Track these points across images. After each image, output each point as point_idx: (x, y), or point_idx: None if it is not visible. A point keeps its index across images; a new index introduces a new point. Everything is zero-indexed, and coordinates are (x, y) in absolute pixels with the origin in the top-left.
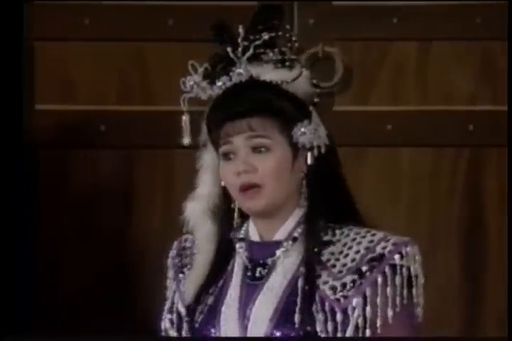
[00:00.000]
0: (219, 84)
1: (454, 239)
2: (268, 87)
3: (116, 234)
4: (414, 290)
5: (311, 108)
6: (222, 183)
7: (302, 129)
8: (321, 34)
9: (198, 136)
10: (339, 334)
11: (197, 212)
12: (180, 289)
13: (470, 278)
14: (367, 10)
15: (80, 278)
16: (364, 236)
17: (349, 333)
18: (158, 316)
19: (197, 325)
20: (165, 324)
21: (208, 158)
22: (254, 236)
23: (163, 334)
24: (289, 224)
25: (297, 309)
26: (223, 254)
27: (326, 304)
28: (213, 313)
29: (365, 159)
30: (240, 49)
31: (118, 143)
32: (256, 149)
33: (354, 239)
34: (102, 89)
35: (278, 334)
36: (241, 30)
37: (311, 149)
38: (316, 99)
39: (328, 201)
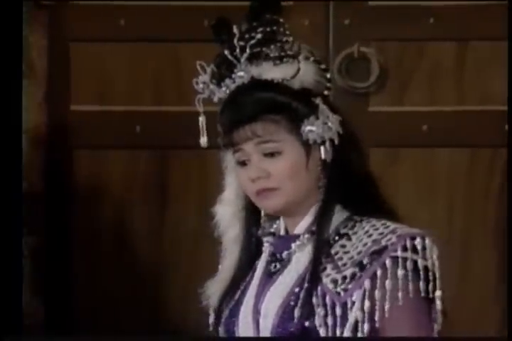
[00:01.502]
0: (223, 88)
1: (490, 239)
2: (270, 87)
3: (150, 234)
4: (423, 285)
5: (317, 100)
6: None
7: (309, 127)
8: (356, 34)
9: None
10: (338, 329)
11: (227, 215)
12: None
13: (506, 278)
14: (403, 10)
15: (114, 278)
16: (377, 229)
17: (348, 328)
18: (192, 316)
19: (223, 320)
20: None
21: (230, 159)
22: (282, 231)
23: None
24: (308, 218)
25: (299, 303)
26: (251, 254)
27: (327, 298)
28: (236, 309)
29: (401, 160)
30: (237, 50)
31: (153, 143)
32: (267, 154)
33: (367, 232)
34: (137, 89)
35: (279, 329)
36: (235, 30)
37: (323, 143)
38: (328, 84)
39: (350, 192)
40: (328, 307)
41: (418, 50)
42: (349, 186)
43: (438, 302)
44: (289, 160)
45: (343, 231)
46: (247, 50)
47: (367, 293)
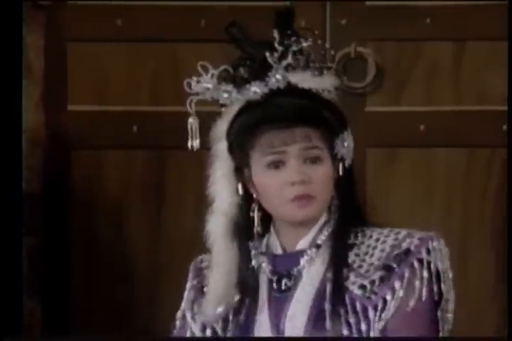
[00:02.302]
0: (253, 89)
1: (487, 239)
2: (311, 96)
3: (147, 234)
4: (442, 286)
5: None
6: (240, 191)
7: (345, 142)
8: (353, 34)
9: (209, 144)
10: (372, 333)
11: (219, 226)
12: (202, 309)
13: (503, 278)
14: (400, 10)
15: (108, 278)
16: (388, 235)
17: (378, 328)
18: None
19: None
20: None
21: (224, 166)
22: (277, 249)
23: None
24: (312, 233)
25: (327, 315)
26: (243, 268)
27: (357, 305)
28: (246, 332)
29: (398, 160)
30: (276, 54)
31: (150, 143)
32: (309, 160)
33: (378, 239)
34: (134, 89)
35: None
36: (276, 34)
37: (342, 160)
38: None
39: (346, 209)
40: (360, 314)
41: (415, 50)
42: (350, 201)
43: (451, 304)
44: (326, 170)
45: (350, 241)
46: (289, 56)
47: (396, 294)
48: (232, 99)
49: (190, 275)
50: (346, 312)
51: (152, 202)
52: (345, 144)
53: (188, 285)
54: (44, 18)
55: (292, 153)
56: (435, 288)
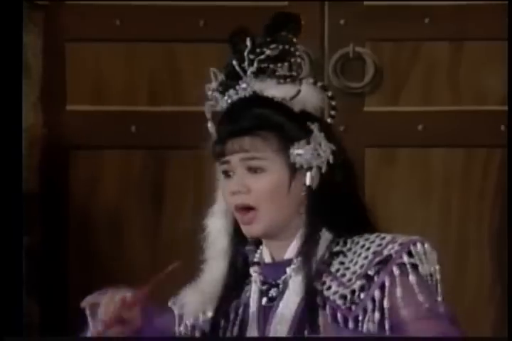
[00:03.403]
0: (225, 98)
1: (485, 240)
2: (269, 104)
3: (146, 234)
4: (430, 290)
5: (313, 126)
6: None
7: (298, 150)
8: (351, 34)
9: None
10: None
11: (216, 228)
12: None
13: (501, 279)
14: (398, 10)
15: (106, 278)
16: (373, 241)
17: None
18: None
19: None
20: None
21: (219, 172)
22: (267, 258)
23: None
24: (297, 241)
25: (306, 325)
26: (236, 273)
27: (338, 315)
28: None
29: (396, 159)
30: (246, 62)
31: (148, 143)
32: (251, 169)
33: (363, 246)
34: (133, 89)
35: None
36: (248, 42)
37: (310, 169)
38: (332, 112)
39: (335, 218)
40: (341, 324)
41: (413, 50)
42: (335, 211)
43: (441, 306)
44: (271, 180)
45: (336, 249)
46: (255, 64)
47: (377, 304)
48: (220, 107)
49: None
50: (327, 321)
51: (151, 202)
52: (301, 153)
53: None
54: (42, 18)
55: (235, 163)
56: (419, 292)
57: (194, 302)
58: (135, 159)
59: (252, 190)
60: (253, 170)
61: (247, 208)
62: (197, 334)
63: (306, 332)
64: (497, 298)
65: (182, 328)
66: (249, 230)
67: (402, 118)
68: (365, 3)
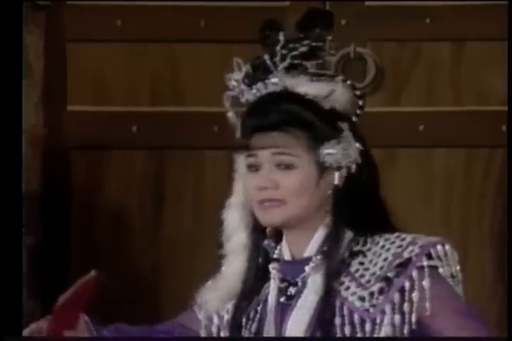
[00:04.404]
0: (253, 91)
1: (486, 240)
2: (301, 101)
3: (147, 234)
4: (452, 290)
5: (344, 125)
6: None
7: (329, 150)
8: (352, 34)
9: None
10: None
11: (234, 221)
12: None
13: (503, 279)
14: (399, 10)
15: (111, 279)
16: (393, 242)
17: None
18: None
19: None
20: None
21: (241, 165)
22: (287, 256)
23: None
24: (317, 239)
25: (323, 325)
26: (256, 269)
27: (355, 316)
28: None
29: (397, 160)
30: (277, 58)
31: (150, 143)
32: (280, 165)
33: (383, 246)
34: (134, 90)
35: None
36: (281, 37)
37: (339, 169)
38: (358, 111)
39: (358, 217)
40: (357, 325)
41: (414, 51)
42: (358, 210)
43: (465, 306)
44: (300, 177)
45: (356, 248)
46: (287, 60)
47: (396, 307)
48: (245, 100)
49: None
50: (343, 323)
51: (151, 202)
52: (331, 152)
53: None
54: (43, 18)
55: (264, 158)
56: (442, 294)
57: (214, 300)
58: (136, 159)
59: (281, 186)
60: (282, 166)
61: (274, 200)
62: (222, 333)
63: (319, 332)
64: (499, 298)
65: (213, 328)
66: (268, 217)
67: (404, 119)
68: (366, 3)
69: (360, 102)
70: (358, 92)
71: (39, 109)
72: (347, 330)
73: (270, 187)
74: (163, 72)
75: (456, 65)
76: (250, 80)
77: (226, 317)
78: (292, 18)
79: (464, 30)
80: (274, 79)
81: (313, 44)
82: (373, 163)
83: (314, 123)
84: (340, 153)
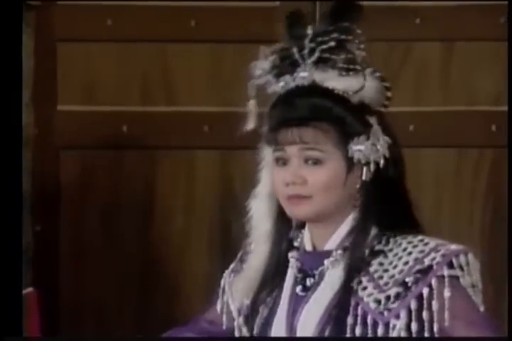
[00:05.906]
0: (281, 83)
1: (476, 240)
2: (330, 95)
3: (138, 234)
4: (472, 301)
5: (372, 120)
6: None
7: (358, 146)
8: None
9: (261, 129)
10: None
11: (260, 210)
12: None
13: (493, 279)
14: (389, 10)
15: (101, 279)
16: (416, 246)
17: None
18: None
19: (257, 329)
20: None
21: (267, 155)
22: (308, 246)
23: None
24: (340, 233)
25: (331, 321)
26: (279, 257)
27: (369, 317)
28: (266, 326)
29: None
30: (306, 51)
31: (140, 143)
32: (308, 161)
33: (405, 249)
34: (124, 89)
35: None
36: (310, 30)
37: (367, 164)
38: (386, 102)
39: (384, 212)
40: (369, 327)
41: (404, 51)
42: (385, 206)
43: (483, 317)
44: (328, 172)
45: (377, 247)
46: (316, 54)
47: (413, 314)
48: (272, 90)
49: (238, 255)
50: (355, 323)
51: (142, 202)
52: (360, 149)
53: (232, 266)
54: (34, 18)
55: (292, 153)
56: (461, 304)
57: (241, 290)
58: (126, 159)
59: (309, 182)
60: (311, 162)
61: (301, 197)
62: (241, 319)
63: (328, 331)
64: (489, 300)
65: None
66: (297, 212)
67: (393, 119)
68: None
69: (389, 94)
70: (387, 84)
71: (29, 109)
72: (358, 330)
73: (298, 182)
74: (154, 72)
75: (445, 65)
76: (277, 71)
77: (246, 302)
78: (282, 18)
79: (454, 31)
80: (302, 74)
81: (342, 37)
82: (401, 157)
83: (344, 118)
84: (369, 148)
